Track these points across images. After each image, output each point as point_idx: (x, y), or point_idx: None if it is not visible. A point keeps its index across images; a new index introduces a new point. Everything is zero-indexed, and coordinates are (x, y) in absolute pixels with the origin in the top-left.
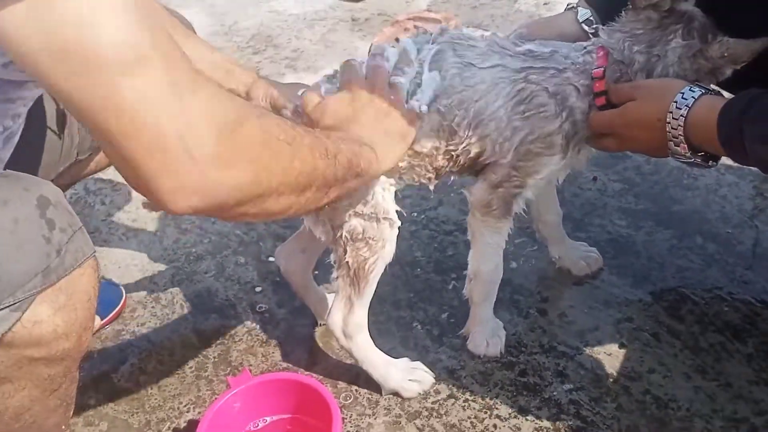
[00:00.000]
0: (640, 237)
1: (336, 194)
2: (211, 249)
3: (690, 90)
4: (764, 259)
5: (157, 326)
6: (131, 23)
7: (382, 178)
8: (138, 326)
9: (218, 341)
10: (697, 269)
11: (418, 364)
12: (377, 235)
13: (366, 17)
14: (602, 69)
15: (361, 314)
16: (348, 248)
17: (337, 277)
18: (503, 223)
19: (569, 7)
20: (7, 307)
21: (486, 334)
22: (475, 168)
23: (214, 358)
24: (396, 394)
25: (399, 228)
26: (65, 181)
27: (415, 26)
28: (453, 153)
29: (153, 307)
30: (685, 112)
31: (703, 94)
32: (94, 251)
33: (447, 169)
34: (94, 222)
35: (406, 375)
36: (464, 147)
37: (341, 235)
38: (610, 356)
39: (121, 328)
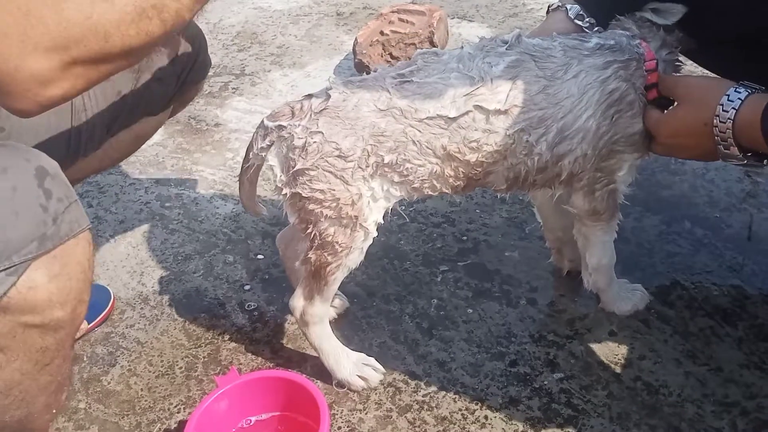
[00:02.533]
0: (629, 223)
1: None
2: (200, 248)
3: (735, 91)
4: (753, 242)
5: (146, 327)
6: None
7: (379, 187)
8: (127, 328)
9: (208, 341)
10: (686, 254)
11: (371, 360)
12: (347, 243)
13: (351, 11)
14: (655, 61)
15: (320, 307)
16: (315, 246)
17: (300, 266)
18: (615, 219)
19: (554, 7)
20: (3, 270)
21: (626, 296)
22: (535, 186)
23: (204, 357)
24: (345, 385)
25: (375, 236)
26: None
27: (400, 19)
28: (521, 169)
29: (142, 308)
30: (733, 115)
31: (749, 94)
32: (90, 224)
33: (502, 185)
34: None
35: (355, 369)
36: (538, 164)
37: (311, 232)
38: (600, 344)
39: (110, 331)
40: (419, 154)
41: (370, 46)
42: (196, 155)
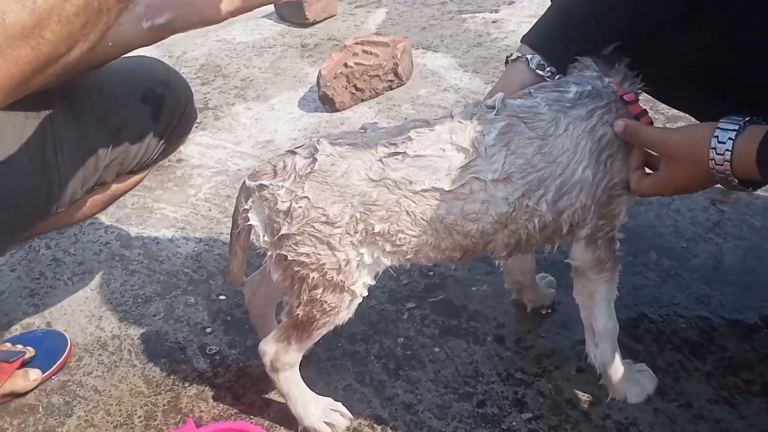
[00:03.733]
0: None
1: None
2: (160, 290)
3: (722, 130)
4: (720, 273)
5: (104, 375)
6: None
7: (368, 255)
8: (84, 375)
9: (168, 387)
10: (653, 286)
11: (339, 405)
12: (335, 303)
13: (315, 42)
14: (633, 93)
15: (294, 356)
16: (303, 303)
17: (285, 317)
18: (617, 269)
19: (513, 58)
20: None
21: (634, 378)
22: (537, 245)
23: (164, 405)
24: None
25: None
26: (36, 231)
27: (364, 51)
28: (522, 234)
29: (100, 354)
30: (729, 156)
31: (739, 129)
32: None
33: (502, 252)
34: (39, 267)
35: (323, 416)
36: (539, 225)
37: (300, 289)
38: (569, 381)
39: (67, 379)
40: (413, 224)
41: (335, 78)
42: (157, 192)
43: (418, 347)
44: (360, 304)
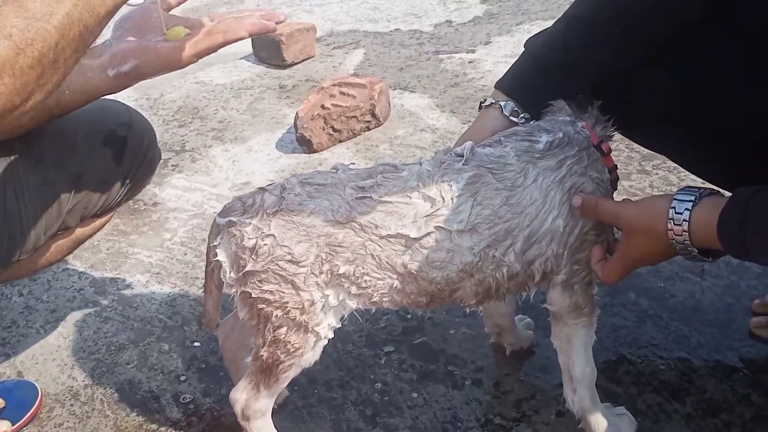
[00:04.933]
0: None
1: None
2: (134, 337)
3: (678, 201)
4: (698, 312)
5: (75, 426)
6: None
7: (333, 296)
8: (55, 427)
9: None
10: (631, 327)
11: None
12: (299, 343)
13: (293, 84)
14: (608, 143)
15: (265, 402)
16: (267, 343)
17: (251, 361)
18: (595, 314)
19: (487, 104)
20: None
21: (614, 422)
22: (510, 292)
23: None
24: None
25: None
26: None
27: (341, 92)
28: (490, 282)
29: (72, 405)
30: (687, 227)
31: (694, 200)
32: None
33: (471, 300)
34: (11, 315)
35: None
36: (508, 274)
37: (264, 328)
38: (548, 425)
39: (38, 431)
40: (378, 268)
41: (312, 120)
42: (132, 237)
43: (396, 393)
44: (337, 349)
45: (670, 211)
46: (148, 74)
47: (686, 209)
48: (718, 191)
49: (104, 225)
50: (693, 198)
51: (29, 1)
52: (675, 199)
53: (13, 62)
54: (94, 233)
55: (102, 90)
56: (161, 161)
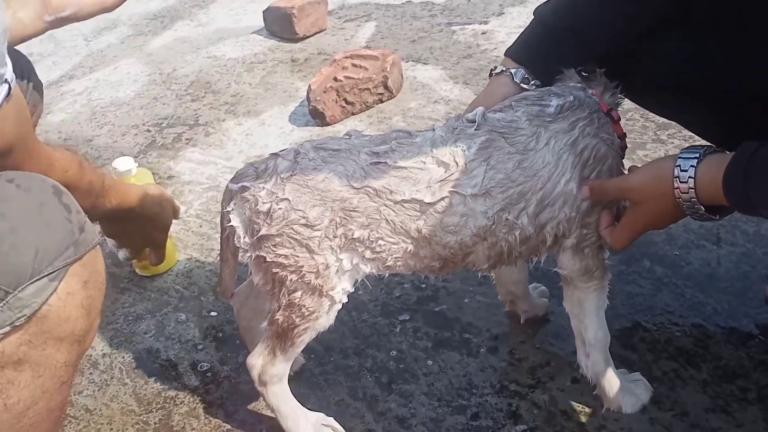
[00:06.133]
0: None
1: None
2: (151, 307)
3: (683, 159)
4: (713, 280)
5: (95, 394)
6: None
7: (347, 260)
8: (75, 395)
9: (159, 405)
10: (647, 294)
11: (331, 421)
12: (314, 307)
13: (305, 57)
14: (617, 110)
15: (281, 367)
16: (282, 307)
17: (266, 326)
18: (607, 278)
19: (497, 71)
20: (47, 275)
21: (629, 387)
22: (521, 257)
23: (155, 424)
24: None
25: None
26: None
27: (354, 65)
28: (502, 246)
29: (91, 373)
30: (693, 183)
31: (699, 157)
32: (101, 236)
33: (483, 264)
34: None
35: (315, 431)
36: (520, 237)
37: (279, 292)
38: (563, 392)
39: None
40: (393, 233)
41: (324, 92)
42: None
43: (411, 360)
44: (352, 318)
45: (675, 169)
46: (84, 17)
47: (691, 166)
48: (723, 150)
49: None
50: (698, 155)
51: None
52: (680, 157)
53: None
54: None
55: (33, 34)
56: (176, 135)
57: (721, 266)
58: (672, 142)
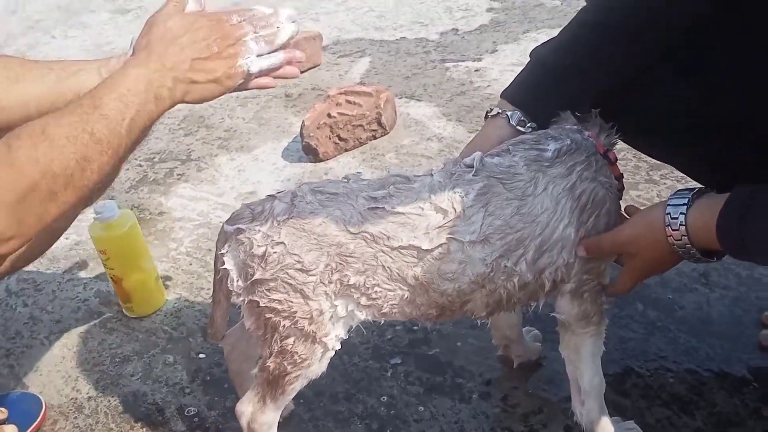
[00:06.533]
0: None
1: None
2: (138, 348)
3: (672, 206)
4: (707, 324)
5: None
6: None
7: (342, 307)
8: None
9: None
10: (639, 338)
11: None
12: (306, 354)
13: (299, 92)
14: (613, 151)
15: (272, 415)
16: (274, 354)
17: (257, 373)
18: (604, 323)
19: (493, 113)
20: None
21: None
22: (520, 303)
23: None
24: None
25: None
26: None
27: (348, 101)
28: (501, 293)
29: (75, 417)
30: (684, 231)
31: (688, 202)
32: None
33: (482, 312)
34: (16, 326)
35: None
36: (519, 283)
37: (271, 338)
38: None
39: None
40: (389, 279)
41: (318, 128)
42: None
43: (402, 406)
44: (343, 361)
45: (666, 217)
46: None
47: (681, 213)
48: (709, 190)
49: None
50: (686, 201)
51: (107, 109)
52: (669, 204)
53: (100, 161)
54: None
55: None
56: (167, 171)
57: (714, 310)
58: (665, 183)
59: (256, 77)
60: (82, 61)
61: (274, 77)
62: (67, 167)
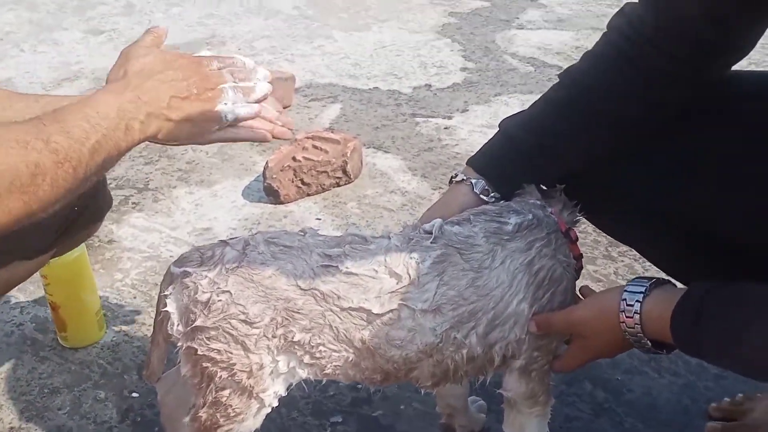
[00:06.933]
0: None
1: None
2: (69, 381)
3: (628, 292)
4: (654, 410)
5: None
6: None
7: (284, 363)
8: None
9: None
10: (586, 419)
11: None
12: (241, 409)
13: None
14: (575, 230)
15: None
16: (207, 404)
17: (188, 422)
18: (550, 404)
19: (458, 179)
20: None
21: None
22: (467, 376)
23: None
24: None
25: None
26: None
27: (314, 146)
28: (448, 364)
29: None
30: (639, 319)
31: (645, 291)
32: None
33: (427, 382)
34: None
35: None
36: (467, 356)
37: (207, 388)
38: None
39: None
40: (335, 340)
41: (281, 171)
42: None
43: None
44: (281, 415)
45: (622, 303)
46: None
47: (637, 301)
48: (669, 280)
49: (40, 267)
50: (643, 289)
51: (70, 126)
52: (626, 291)
53: (54, 173)
54: (28, 276)
55: None
56: (123, 198)
57: (661, 396)
58: (622, 260)
59: (230, 126)
60: (69, 96)
61: (273, 136)
62: (14, 168)
